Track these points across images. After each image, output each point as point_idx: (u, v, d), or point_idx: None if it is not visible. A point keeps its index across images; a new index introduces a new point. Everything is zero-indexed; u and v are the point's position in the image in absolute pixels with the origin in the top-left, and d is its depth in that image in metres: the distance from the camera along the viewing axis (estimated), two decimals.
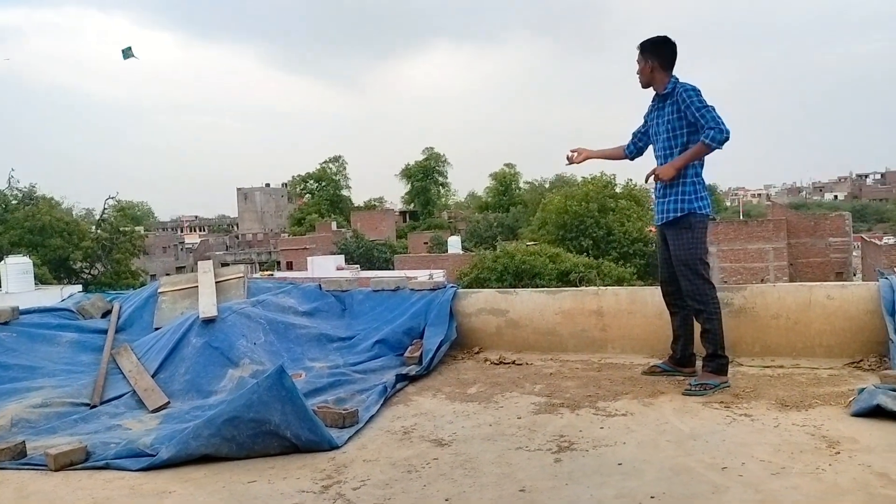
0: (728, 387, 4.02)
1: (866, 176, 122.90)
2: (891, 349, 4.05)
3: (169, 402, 4.20)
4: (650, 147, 4.55)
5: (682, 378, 4.27)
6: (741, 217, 42.87)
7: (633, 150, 4.68)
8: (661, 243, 4.46)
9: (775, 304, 4.74)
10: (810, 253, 40.32)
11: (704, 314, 4.18)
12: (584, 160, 4.71)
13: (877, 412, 3.28)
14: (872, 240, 41.89)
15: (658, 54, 4.31)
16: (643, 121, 4.58)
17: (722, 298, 4.45)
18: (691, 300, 4.24)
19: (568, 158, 4.74)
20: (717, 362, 4.14)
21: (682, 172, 4.20)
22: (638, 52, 4.37)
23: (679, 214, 4.21)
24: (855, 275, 41.31)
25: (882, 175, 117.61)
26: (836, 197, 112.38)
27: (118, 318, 5.37)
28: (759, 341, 4.72)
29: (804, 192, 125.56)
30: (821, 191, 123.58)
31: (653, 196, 4.56)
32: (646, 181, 4.42)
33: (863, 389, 3.52)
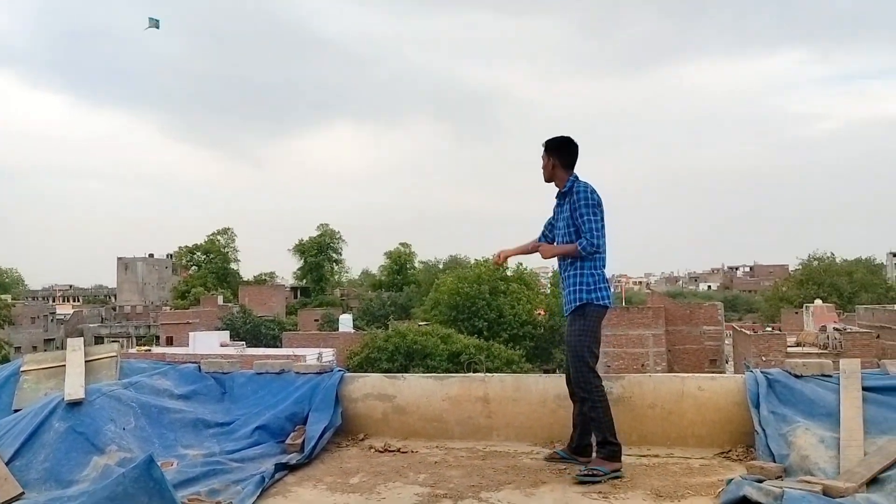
0: (620, 476, 4.09)
1: (737, 268, 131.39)
2: (756, 440, 4.26)
3: (23, 493, 3.86)
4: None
5: (577, 466, 4.31)
6: (623, 304, 44.68)
7: (545, 241, 4.79)
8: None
9: (651, 393, 4.91)
10: (686, 340, 42.31)
11: (589, 402, 4.30)
12: (506, 260, 4.99)
13: (743, 503, 3.42)
14: (742, 329, 44.51)
15: (560, 153, 4.57)
16: (552, 213, 4.76)
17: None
18: (577, 388, 4.37)
19: (494, 263, 5.07)
20: (609, 449, 4.22)
21: (581, 265, 4.40)
22: (543, 149, 4.62)
23: (576, 304, 4.40)
24: (727, 362, 43.56)
25: (751, 268, 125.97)
26: (709, 287, 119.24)
27: None
28: (636, 430, 4.86)
29: (681, 282, 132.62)
30: (696, 281, 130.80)
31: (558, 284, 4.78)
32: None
33: (731, 480, 3.67)
